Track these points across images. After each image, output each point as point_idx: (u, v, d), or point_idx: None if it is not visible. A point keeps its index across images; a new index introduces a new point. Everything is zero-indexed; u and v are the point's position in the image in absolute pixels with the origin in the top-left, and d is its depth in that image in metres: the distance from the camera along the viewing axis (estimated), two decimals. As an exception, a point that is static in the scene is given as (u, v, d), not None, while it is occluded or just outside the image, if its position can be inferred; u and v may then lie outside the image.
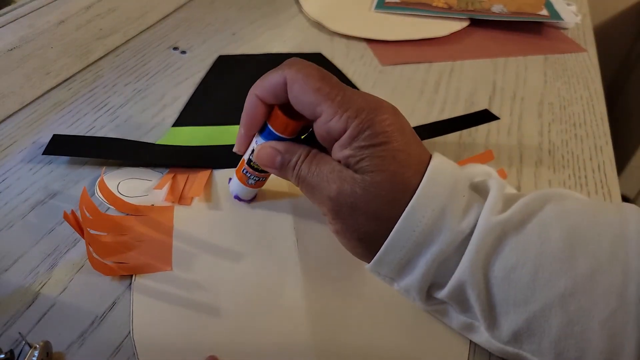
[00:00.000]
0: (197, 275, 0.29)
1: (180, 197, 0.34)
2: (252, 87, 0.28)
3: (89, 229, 0.30)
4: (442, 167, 0.25)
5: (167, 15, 0.58)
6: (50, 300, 0.28)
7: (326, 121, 0.25)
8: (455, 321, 0.26)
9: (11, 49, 0.40)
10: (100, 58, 0.49)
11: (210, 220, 0.33)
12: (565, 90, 0.49)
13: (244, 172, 0.31)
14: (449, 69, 0.51)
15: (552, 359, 0.23)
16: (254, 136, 0.30)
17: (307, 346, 0.26)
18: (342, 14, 0.59)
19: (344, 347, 0.26)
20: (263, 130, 0.29)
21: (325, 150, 0.28)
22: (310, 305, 0.28)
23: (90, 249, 0.28)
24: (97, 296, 0.28)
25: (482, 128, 0.43)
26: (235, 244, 0.31)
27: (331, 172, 0.26)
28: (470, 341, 0.27)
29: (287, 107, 0.28)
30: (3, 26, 0.41)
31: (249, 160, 0.31)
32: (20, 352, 0.25)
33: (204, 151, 0.38)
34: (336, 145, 0.26)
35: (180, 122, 0.41)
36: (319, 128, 0.26)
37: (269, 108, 0.28)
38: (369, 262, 0.26)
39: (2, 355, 0.24)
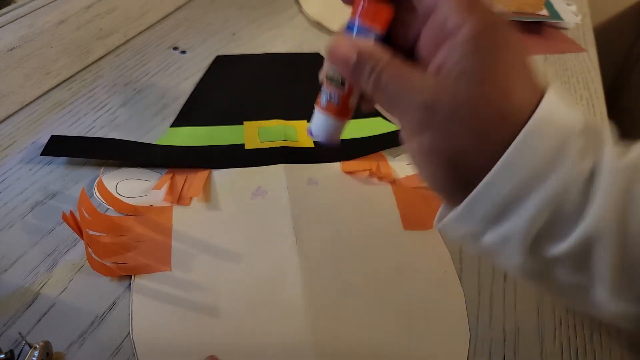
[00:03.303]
0: (196, 275, 0.29)
1: (179, 198, 0.34)
2: None
3: (87, 230, 0.30)
4: (560, 98, 0.21)
5: (167, 15, 0.58)
6: (50, 301, 0.28)
7: (446, 12, 0.21)
8: (559, 283, 0.22)
9: (11, 49, 0.40)
10: (100, 58, 0.49)
11: (209, 220, 0.33)
12: (565, 90, 0.49)
13: (321, 89, 0.26)
14: (449, 69, 0.51)
15: None
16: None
17: (307, 346, 0.26)
18: (342, 14, 0.59)
19: (344, 346, 0.26)
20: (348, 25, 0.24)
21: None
22: (309, 305, 0.28)
23: (90, 249, 0.28)
24: (97, 296, 0.28)
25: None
26: (234, 244, 0.31)
27: (424, 77, 0.21)
28: (470, 341, 0.27)
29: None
30: (3, 26, 0.41)
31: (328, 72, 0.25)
32: (20, 352, 0.25)
33: (203, 151, 0.38)
34: (445, 47, 0.21)
35: (178, 122, 0.41)
36: (432, 21, 0.22)
37: None
38: (448, 199, 0.23)
39: (2, 355, 0.24)
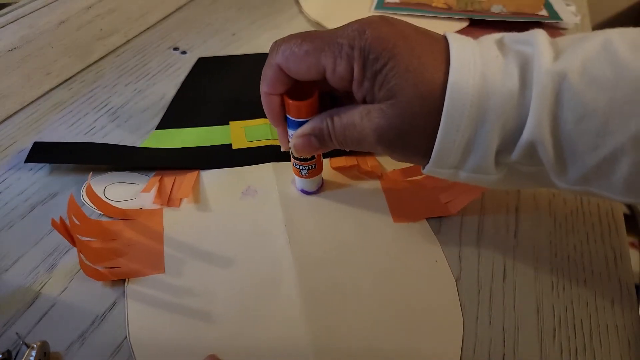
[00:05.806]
0: (189, 277, 0.29)
1: (168, 199, 0.34)
2: (260, 86, 0.29)
3: (78, 236, 0.29)
4: (462, 46, 0.25)
5: (168, 16, 0.58)
6: (51, 300, 0.28)
7: (332, 71, 0.26)
8: (526, 175, 0.26)
9: (12, 49, 0.40)
10: (101, 58, 0.50)
11: (199, 221, 0.33)
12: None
13: (295, 165, 0.33)
14: (449, 69, 0.51)
15: (621, 191, 0.24)
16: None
17: (303, 346, 0.26)
18: (342, 14, 0.59)
19: (340, 346, 0.26)
20: (288, 123, 0.30)
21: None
22: (305, 303, 0.28)
23: (82, 255, 0.28)
24: (97, 296, 0.28)
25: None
26: (226, 245, 0.31)
27: (361, 119, 0.26)
28: (465, 338, 0.27)
29: (296, 90, 0.28)
30: (3, 26, 0.41)
31: (292, 155, 0.32)
32: (18, 352, 0.25)
33: (190, 152, 0.38)
34: (355, 87, 0.26)
35: (163, 124, 0.41)
36: (333, 83, 0.27)
37: (282, 98, 0.29)
38: (421, 164, 0.27)
39: (0, 356, 0.25)
